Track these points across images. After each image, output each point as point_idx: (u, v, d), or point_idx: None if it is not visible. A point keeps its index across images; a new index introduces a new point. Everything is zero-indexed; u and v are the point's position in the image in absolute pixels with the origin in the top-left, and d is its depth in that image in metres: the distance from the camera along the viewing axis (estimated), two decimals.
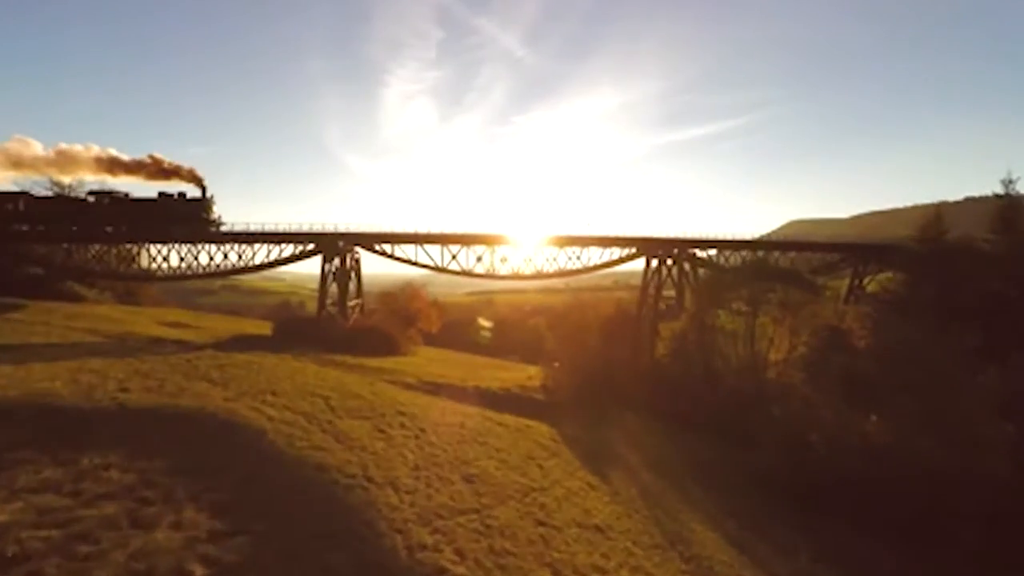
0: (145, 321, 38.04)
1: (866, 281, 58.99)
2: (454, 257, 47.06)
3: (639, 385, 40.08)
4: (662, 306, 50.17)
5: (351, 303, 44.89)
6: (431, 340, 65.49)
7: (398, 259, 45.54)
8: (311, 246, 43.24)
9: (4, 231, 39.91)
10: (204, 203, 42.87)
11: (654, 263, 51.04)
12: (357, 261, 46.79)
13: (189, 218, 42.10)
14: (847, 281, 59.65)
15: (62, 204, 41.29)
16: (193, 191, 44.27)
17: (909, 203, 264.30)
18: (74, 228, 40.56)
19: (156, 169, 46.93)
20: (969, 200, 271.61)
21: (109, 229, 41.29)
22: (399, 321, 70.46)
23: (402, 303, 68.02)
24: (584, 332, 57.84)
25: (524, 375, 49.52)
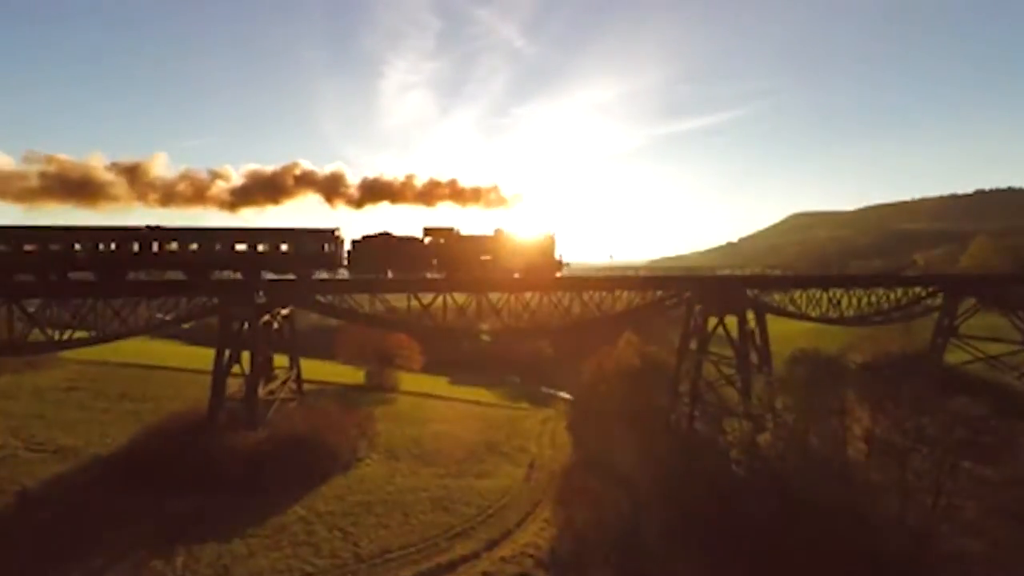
0: None
1: (958, 322, 43.86)
2: (426, 308, 31.58)
3: (696, 509, 25.17)
4: (715, 376, 34.99)
5: (271, 386, 29.63)
6: (428, 349, 59.02)
7: (349, 315, 30.13)
8: (215, 300, 27.65)
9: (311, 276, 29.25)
10: (552, 243, 33.46)
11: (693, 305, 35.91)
12: (287, 318, 31.36)
13: (538, 258, 32.92)
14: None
15: (394, 244, 30.51)
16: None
17: (917, 196, 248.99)
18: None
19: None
20: (979, 193, 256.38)
21: (430, 275, 31.76)
22: (375, 359, 55.91)
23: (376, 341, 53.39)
24: (602, 395, 43.01)
25: (527, 461, 35.01)
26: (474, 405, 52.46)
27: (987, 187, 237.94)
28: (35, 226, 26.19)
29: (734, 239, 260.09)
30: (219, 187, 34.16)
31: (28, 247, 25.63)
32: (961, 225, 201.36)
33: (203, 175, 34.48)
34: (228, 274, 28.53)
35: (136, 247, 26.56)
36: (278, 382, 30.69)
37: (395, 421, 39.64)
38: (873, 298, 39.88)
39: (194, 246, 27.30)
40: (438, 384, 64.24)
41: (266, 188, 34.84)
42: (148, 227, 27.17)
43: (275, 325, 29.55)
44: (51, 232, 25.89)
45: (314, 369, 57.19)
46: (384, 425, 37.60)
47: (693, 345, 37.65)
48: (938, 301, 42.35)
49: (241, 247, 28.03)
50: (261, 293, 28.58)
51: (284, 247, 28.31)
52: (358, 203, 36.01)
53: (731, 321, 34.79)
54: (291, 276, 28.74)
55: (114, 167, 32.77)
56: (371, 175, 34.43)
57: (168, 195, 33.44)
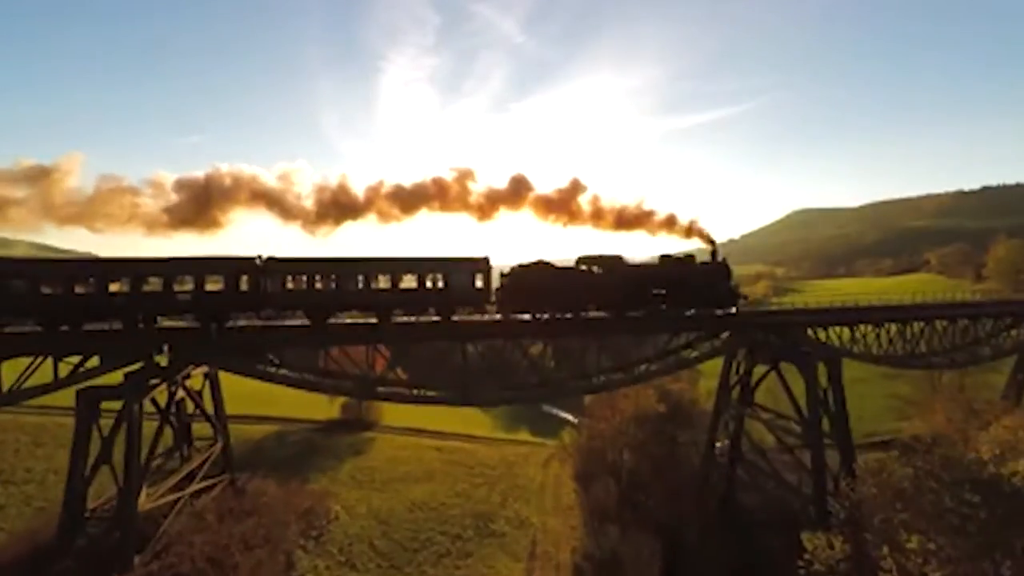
0: None
1: None
2: (388, 362, 23.21)
3: None
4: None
5: (184, 470, 21.15)
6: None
7: (289, 381, 21.60)
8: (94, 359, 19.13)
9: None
10: (728, 270, 27.78)
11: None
12: (212, 379, 22.99)
13: (714, 290, 26.88)
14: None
15: (553, 277, 25.12)
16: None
17: (922, 192, 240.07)
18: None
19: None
20: (987, 190, 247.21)
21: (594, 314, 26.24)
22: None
23: None
24: (617, 444, 34.95)
25: (526, 544, 27.11)
26: (466, 442, 44.23)
27: (994, 183, 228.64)
28: (121, 258, 20.73)
29: (735, 236, 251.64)
30: (147, 203, 25.32)
31: (114, 286, 19.66)
32: (968, 222, 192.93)
33: (132, 185, 25.70)
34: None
35: (245, 284, 20.76)
36: (195, 462, 22.26)
37: (364, 486, 31.42)
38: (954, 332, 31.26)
39: (319, 282, 21.69)
40: (427, 407, 56.25)
41: (200, 204, 26.13)
42: (260, 257, 21.50)
43: (179, 394, 21.03)
44: (146, 265, 20.24)
45: (278, 398, 49.11)
46: (347, 495, 29.42)
47: (734, 394, 29.43)
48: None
49: (379, 283, 22.43)
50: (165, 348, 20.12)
51: (432, 281, 22.95)
52: (316, 221, 27.16)
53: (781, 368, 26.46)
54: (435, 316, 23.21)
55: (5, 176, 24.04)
56: (325, 182, 25.27)
57: (84, 213, 24.66)
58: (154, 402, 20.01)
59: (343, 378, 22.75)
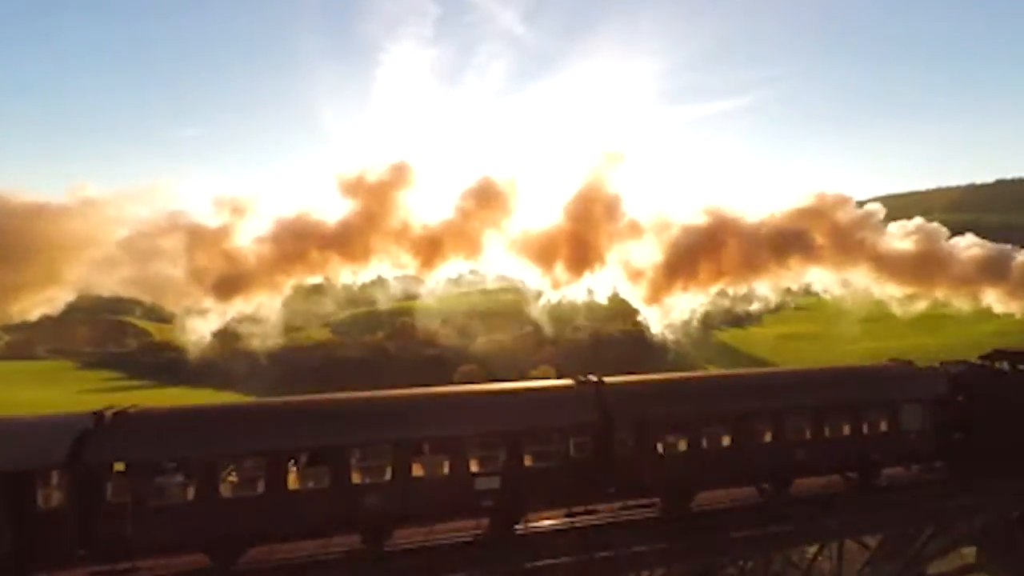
0: None
1: None
2: None
3: None
4: None
5: None
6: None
7: None
8: None
9: None
10: None
11: None
12: None
13: None
14: None
15: None
16: None
17: (933, 186, 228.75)
18: None
19: None
20: (1001, 183, 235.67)
21: None
22: None
23: None
24: None
25: None
26: None
27: (1009, 176, 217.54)
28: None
29: None
30: None
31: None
32: (983, 218, 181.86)
33: None
34: None
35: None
36: None
37: None
38: None
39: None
40: None
41: None
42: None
43: None
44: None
45: None
46: None
47: None
48: None
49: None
50: None
51: (873, 423, 12.97)
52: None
53: None
54: None
55: None
56: (187, 221, 12.55)
57: None
58: None
59: None
